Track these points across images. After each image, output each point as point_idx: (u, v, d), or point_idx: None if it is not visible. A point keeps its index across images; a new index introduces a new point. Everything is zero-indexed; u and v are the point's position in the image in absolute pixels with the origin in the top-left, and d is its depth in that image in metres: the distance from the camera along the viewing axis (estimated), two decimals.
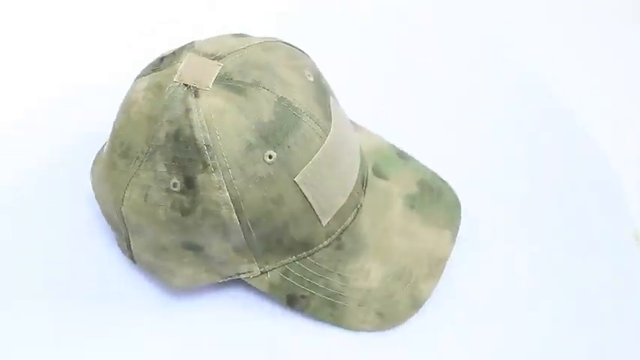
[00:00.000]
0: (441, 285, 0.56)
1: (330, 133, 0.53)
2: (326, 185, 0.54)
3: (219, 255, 0.54)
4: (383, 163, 0.61)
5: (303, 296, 0.55)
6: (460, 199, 0.61)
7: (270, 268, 0.55)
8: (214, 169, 0.50)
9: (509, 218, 0.62)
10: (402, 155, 0.63)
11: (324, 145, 0.53)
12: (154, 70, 0.54)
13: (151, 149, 0.51)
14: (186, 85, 0.51)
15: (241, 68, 0.52)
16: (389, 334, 0.55)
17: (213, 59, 0.52)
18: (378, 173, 0.60)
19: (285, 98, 0.52)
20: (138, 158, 0.52)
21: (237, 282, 0.56)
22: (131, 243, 0.55)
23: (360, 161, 0.58)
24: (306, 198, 0.53)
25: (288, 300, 0.55)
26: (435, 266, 0.56)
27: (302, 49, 0.58)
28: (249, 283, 0.55)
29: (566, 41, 0.78)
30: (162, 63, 0.54)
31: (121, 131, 0.53)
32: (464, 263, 0.58)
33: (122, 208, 0.53)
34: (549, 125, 0.70)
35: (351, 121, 0.63)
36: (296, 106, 0.52)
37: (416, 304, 0.55)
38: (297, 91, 0.53)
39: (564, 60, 0.76)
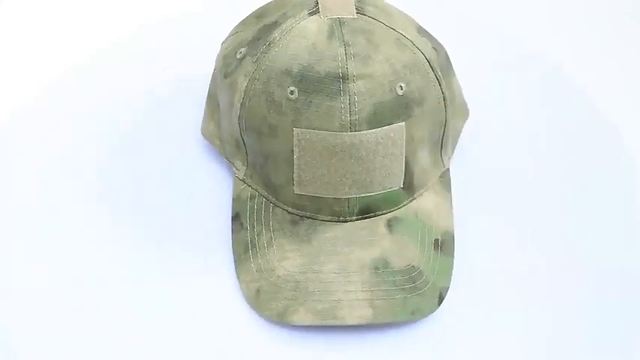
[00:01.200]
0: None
1: (356, 136, 0.53)
2: (315, 164, 0.55)
3: (227, 133, 0.59)
4: (407, 224, 0.57)
5: (242, 223, 0.58)
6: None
7: (250, 183, 0.59)
8: (254, 62, 0.55)
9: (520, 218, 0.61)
10: (440, 246, 0.57)
11: (338, 134, 0.53)
12: None
13: (264, 23, 0.58)
14: (317, 3, 0.56)
15: (359, 31, 0.54)
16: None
17: (357, 8, 0.56)
18: (390, 223, 0.57)
19: (348, 74, 0.53)
20: (257, 24, 0.59)
21: None
22: None
23: (380, 198, 0.56)
24: (292, 152, 0.55)
25: (234, 215, 0.58)
26: (325, 314, 0.53)
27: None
28: (235, 178, 0.60)
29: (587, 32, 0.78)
30: None
31: (272, 2, 0.60)
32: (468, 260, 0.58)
33: (220, 47, 0.62)
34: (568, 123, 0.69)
35: (443, 180, 0.60)
36: (349, 85, 0.53)
37: (281, 317, 0.53)
38: (365, 82, 0.53)
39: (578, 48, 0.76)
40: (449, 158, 0.61)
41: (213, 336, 0.54)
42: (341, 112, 0.53)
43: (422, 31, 0.59)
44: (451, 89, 0.60)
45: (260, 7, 0.61)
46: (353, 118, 0.53)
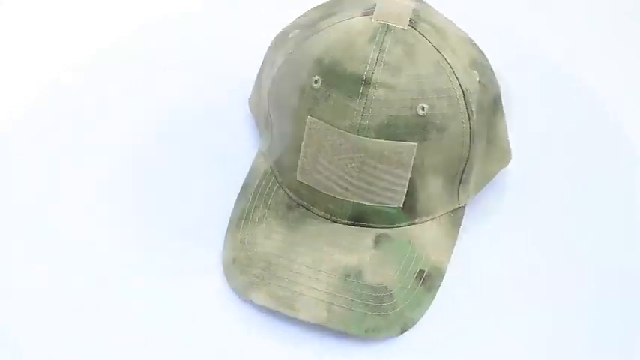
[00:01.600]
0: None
1: (361, 141, 0.53)
2: (318, 157, 0.55)
3: (263, 109, 0.61)
4: (396, 245, 0.56)
5: (247, 194, 0.59)
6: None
7: (267, 159, 0.60)
8: (294, 44, 0.57)
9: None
10: (424, 278, 0.56)
11: (344, 134, 0.53)
12: None
13: (329, 12, 0.58)
14: (375, 5, 0.56)
15: (401, 42, 0.54)
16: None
17: (411, 20, 0.55)
18: (378, 239, 0.56)
19: (371, 79, 0.53)
20: (323, 11, 0.59)
21: None
22: None
23: (375, 211, 0.56)
24: (302, 139, 0.55)
25: (244, 185, 0.60)
26: (282, 302, 0.54)
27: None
28: (259, 150, 0.62)
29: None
30: None
31: None
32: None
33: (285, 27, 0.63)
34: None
35: (453, 216, 0.58)
36: (369, 90, 0.53)
37: (244, 292, 0.54)
38: (386, 92, 0.53)
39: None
40: (468, 197, 0.59)
41: (212, 334, 0.55)
42: (354, 114, 0.53)
43: (476, 64, 0.57)
44: (493, 130, 0.58)
45: (328, 2, 0.62)
46: (364, 122, 0.53)
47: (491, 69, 0.59)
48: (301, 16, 0.62)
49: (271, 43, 0.62)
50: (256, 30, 0.70)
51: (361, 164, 0.54)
